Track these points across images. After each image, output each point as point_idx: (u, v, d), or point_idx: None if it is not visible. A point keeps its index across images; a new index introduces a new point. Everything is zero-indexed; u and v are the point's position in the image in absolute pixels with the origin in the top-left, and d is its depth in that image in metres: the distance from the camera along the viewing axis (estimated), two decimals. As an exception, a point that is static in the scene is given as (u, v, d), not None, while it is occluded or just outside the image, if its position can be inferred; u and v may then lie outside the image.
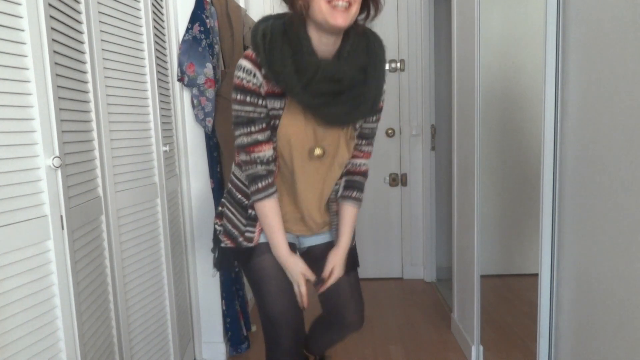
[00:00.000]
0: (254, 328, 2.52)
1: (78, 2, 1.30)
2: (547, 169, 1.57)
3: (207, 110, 2.00)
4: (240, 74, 1.13)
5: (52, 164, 1.10)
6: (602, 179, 1.27)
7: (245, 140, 1.18)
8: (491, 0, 2.97)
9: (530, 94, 3.01)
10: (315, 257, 1.43)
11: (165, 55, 1.92)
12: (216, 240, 1.40)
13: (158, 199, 1.76)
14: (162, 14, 1.89)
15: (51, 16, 1.14)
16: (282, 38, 1.10)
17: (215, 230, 1.40)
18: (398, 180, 3.24)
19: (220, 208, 1.41)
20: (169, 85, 1.95)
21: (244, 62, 1.13)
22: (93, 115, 1.37)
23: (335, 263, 1.34)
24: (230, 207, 1.36)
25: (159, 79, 1.80)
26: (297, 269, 1.26)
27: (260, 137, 1.17)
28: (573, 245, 1.46)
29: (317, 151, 1.22)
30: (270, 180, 1.22)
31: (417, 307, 2.82)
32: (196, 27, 1.93)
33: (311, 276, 1.29)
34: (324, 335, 1.56)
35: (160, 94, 1.81)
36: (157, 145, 1.74)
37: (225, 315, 2.21)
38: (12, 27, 1.02)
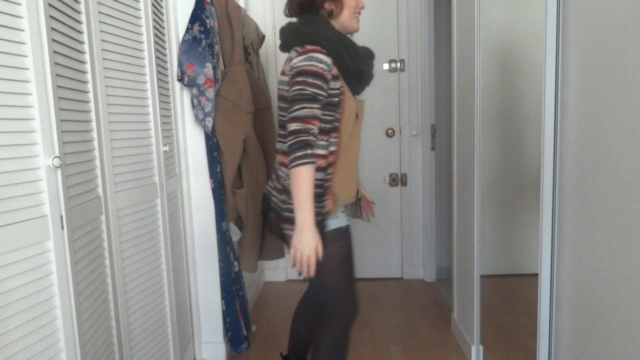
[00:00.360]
0: (254, 328, 2.52)
1: (78, 2, 1.30)
2: (547, 169, 1.57)
3: (207, 110, 2.00)
4: (315, 62, 1.37)
5: (52, 164, 1.10)
6: (602, 179, 1.27)
7: (304, 112, 1.36)
8: (491, 0, 2.97)
9: (530, 94, 3.01)
10: None
11: (165, 55, 1.92)
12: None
13: (158, 199, 1.76)
14: (162, 14, 1.89)
15: (51, 16, 1.14)
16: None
17: (286, 235, 1.49)
18: (398, 180, 3.24)
19: (288, 214, 1.48)
20: (169, 85, 1.95)
21: (319, 55, 1.38)
22: (93, 115, 1.37)
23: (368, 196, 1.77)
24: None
25: (159, 79, 1.80)
26: (316, 239, 1.35)
27: (317, 112, 1.38)
28: (573, 245, 1.46)
29: (361, 112, 1.54)
30: (313, 151, 1.35)
31: (417, 307, 2.82)
32: (196, 27, 1.93)
33: (320, 252, 1.36)
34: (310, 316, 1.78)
35: (160, 94, 1.81)
36: (157, 145, 1.74)
37: (225, 315, 2.21)
38: (12, 27, 1.02)
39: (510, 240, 3.15)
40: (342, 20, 1.47)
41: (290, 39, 1.45)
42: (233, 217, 2.25)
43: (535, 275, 1.66)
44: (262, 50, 3.07)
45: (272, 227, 1.57)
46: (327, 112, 1.42)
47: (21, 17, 1.04)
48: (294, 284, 3.32)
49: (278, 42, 3.17)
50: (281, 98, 1.49)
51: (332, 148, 1.45)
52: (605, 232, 1.27)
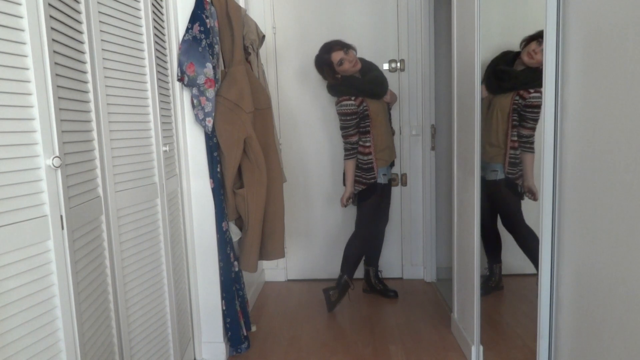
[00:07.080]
0: (253, 328, 2.52)
1: (78, 2, 1.30)
2: (547, 169, 1.57)
3: (207, 110, 2.00)
4: (344, 107, 2.67)
5: (52, 164, 1.10)
6: (602, 178, 1.27)
7: (344, 133, 2.72)
8: (491, 0, 2.96)
9: (530, 94, 3.00)
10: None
11: (165, 55, 1.92)
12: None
13: (158, 199, 1.76)
14: (162, 14, 1.89)
15: (51, 16, 1.14)
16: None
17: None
18: (398, 180, 3.24)
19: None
20: (169, 85, 1.95)
21: (346, 102, 2.65)
22: (93, 115, 1.37)
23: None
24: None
25: (159, 79, 1.80)
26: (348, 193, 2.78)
27: (352, 132, 2.69)
28: (573, 245, 1.46)
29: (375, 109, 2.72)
30: (352, 152, 2.74)
31: (417, 307, 2.82)
32: (196, 27, 1.93)
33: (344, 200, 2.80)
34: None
35: (160, 94, 1.81)
36: (157, 145, 1.74)
37: (225, 315, 2.21)
38: (12, 27, 1.02)
39: (510, 240, 3.15)
40: (346, 74, 2.69)
41: (331, 93, 2.79)
42: (233, 217, 2.25)
43: (535, 275, 1.66)
44: (262, 50, 3.07)
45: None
46: (361, 124, 2.67)
47: (21, 17, 1.04)
48: (294, 283, 3.32)
49: (278, 42, 3.17)
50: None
51: (367, 143, 2.67)
52: (605, 232, 1.27)
